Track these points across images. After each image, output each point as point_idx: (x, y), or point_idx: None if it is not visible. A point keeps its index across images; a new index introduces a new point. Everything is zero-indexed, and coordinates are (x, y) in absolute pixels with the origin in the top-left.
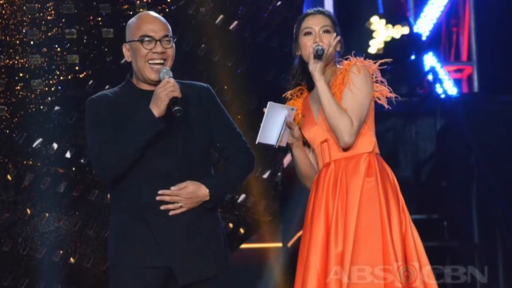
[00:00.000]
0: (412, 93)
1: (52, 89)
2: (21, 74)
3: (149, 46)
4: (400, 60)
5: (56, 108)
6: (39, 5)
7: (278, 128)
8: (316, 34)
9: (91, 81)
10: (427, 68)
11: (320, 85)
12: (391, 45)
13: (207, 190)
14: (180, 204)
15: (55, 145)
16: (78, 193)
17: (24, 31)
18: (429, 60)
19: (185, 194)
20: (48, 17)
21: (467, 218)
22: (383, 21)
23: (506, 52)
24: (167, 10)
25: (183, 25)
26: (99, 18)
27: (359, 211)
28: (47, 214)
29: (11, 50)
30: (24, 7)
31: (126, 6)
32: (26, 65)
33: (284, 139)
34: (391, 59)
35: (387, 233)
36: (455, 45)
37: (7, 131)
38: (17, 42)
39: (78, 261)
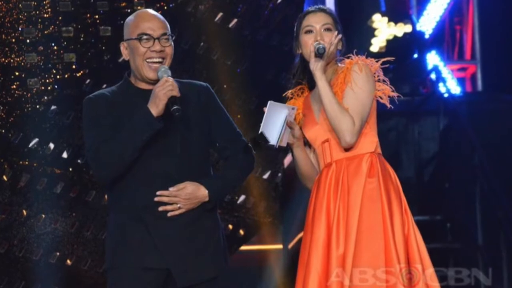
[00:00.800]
0: (415, 92)
1: (49, 88)
2: (17, 73)
3: (147, 45)
4: (402, 59)
5: (53, 107)
6: (35, 3)
7: (278, 128)
8: (317, 32)
9: (88, 80)
10: (430, 66)
11: (321, 84)
12: (393, 44)
13: (206, 191)
14: (178, 205)
15: (51, 145)
16: (75, 194)
17: (20, 29)
18: (432, 58)
19: (184, 195)
20: (45, 15)
21: (471, 219)
22: (385, 19)
23: (511, 50)
24: (165, 8)
25: (182, 23)
26: (97, 16)
27: (361, 212)
28: (43, 216)
29: (6, 49)
30: (20, 5)
31: (124, 4)
32: (22, 63)
33: (285, 139)
34: (393, 58)
35: (389, 235)
36: (459, 44)
37: (3, 131)
38: (13, 40)
39: (75, 263)
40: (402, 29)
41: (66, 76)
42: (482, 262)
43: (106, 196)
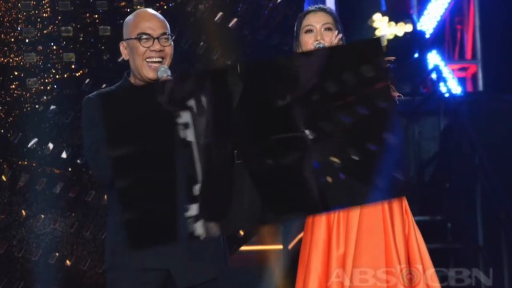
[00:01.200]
0: (415, 92)
1: (48, 88)
2: (16, 73)
3: (147, 44)
4: (403, 58)
5: (52, 107)
6: (34, 2)
7: None
8: (317, 31)
9: (87, 80)
10: (430, 66)
11: None
12: (394, 43)
13: None
14: None
15: (51, 145)
16: (74, 194)
17: (19, 28)
18: (433, 58)
19: None
20: (44, 15)
21: (471, 220)
22: (386, 18)
23: (511, 50)
24: (165, 7)
25: (182, 23)
26: (96, 16)
27: (361, 213)
28: (42, 216)
29: (5, 48)
30: (19, 4)
31: (123, 3)
32: (21, 63)
33: None
34: (394, 57)
35: (389, 235)
36: (460, 43)
37: (2, 131)
38: (12, 40)
39: (75, 264)
40: (402, 28)
41: (65, 75)
42: (483, 263)
43: (105, 196)
